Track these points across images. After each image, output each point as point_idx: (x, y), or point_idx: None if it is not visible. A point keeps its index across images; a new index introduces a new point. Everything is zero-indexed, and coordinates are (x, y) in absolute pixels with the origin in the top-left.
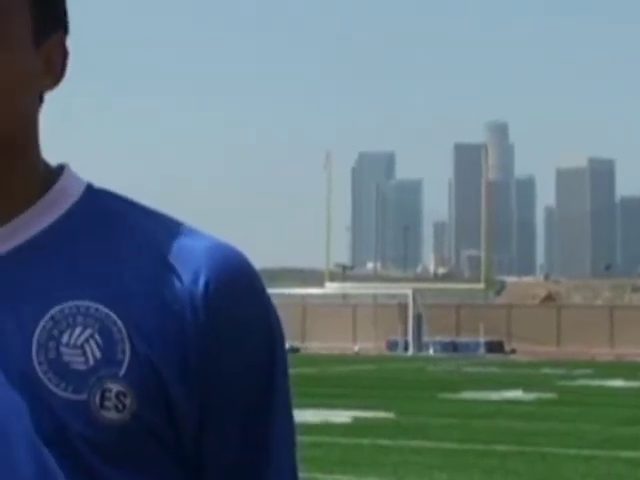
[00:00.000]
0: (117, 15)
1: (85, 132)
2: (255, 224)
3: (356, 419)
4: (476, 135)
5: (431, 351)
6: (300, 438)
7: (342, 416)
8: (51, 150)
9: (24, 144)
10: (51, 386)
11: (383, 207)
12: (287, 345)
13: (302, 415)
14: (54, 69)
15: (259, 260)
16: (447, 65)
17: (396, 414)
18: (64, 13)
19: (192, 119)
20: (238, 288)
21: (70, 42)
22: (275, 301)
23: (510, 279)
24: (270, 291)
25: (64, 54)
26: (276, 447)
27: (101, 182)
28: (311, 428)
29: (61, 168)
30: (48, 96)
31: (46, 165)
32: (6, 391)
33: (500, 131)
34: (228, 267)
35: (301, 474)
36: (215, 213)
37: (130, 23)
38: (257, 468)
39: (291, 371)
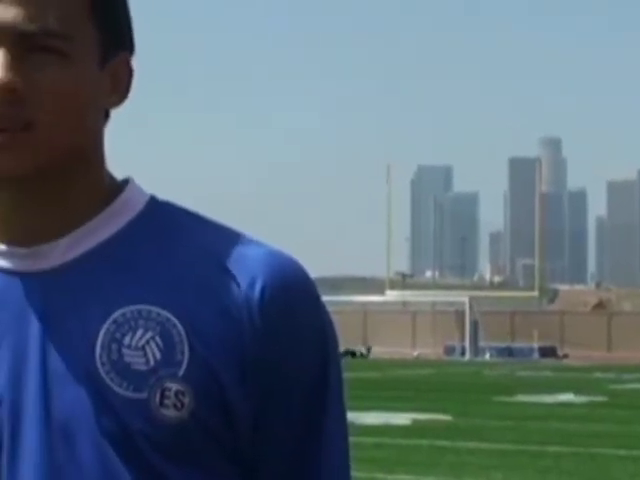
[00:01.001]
0: (173, 29)
1: (151, 146)
2: (320, 234)
3: (415, 421)
4: (530, 149)
5: (487, 356)
6: (362, 439)
7: (402, 418)
8: (125, 164)
9: (89, 158)
10: (113, 386)
11: (441, 218)
12: (360, 351)
13: (364, 417)
14: (119, 87)
15: (323, 269)
16: (503, 82)
17: (453, 416)
18: (129, 34)
19: (258, 134)
20: (293, 293)
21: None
22: (338, 308)
23: (563, 287)
24: (333, 298)
25: (129, 73)
26: (329, 447)
27: (167, 195)
28: (372, 430)
29: (126, 181)
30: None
31: (111, 178)
32: (72, 391)
33: (553, 145)
34: (284, 274)
35: (363, 474)
36: (283, 225)
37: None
38: (310, 468)
39: (354, 375)
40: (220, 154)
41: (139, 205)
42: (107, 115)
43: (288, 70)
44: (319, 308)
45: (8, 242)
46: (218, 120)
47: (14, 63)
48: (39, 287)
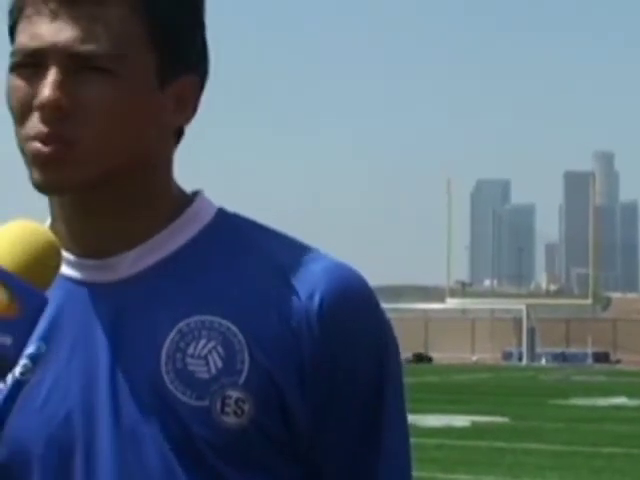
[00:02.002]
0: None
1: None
2: (384, 244)
3: (474, 423)
4: (584, 163)
5: (543, 361)
6: (424, 440)
7: (462, 420)
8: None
9: (150, 173)
10: (177, 393)
11: (499, 229)
12: (427, 355)
13: (426, 420)
14: (184, 108)
15: (387, 277)
16: (558, 98)
17: (511, 419)
18: (196, 57)
19: (326, 145)
20: (351, 305)
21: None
22: (400, 315)
23: (615, 295)
24: (396, 306)
25: (196, 94)
26: (388, 450)
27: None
28: (434, 431)
29: (195, 194)
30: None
31: (180, 191)
32: (137, 399)
33: (606, 160)
34: (342, 286)
35: (425, 473)
36: (346, 236)
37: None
38: (370, 471)
39: (416, 380)
40: (288, 169)
41: (207, 218)
42: (180, 133)
43: (353, 83)
44: (377, 319)
45: (77, 253)
46: (284, 137)
47: (63, 82)
48: (108, 298)
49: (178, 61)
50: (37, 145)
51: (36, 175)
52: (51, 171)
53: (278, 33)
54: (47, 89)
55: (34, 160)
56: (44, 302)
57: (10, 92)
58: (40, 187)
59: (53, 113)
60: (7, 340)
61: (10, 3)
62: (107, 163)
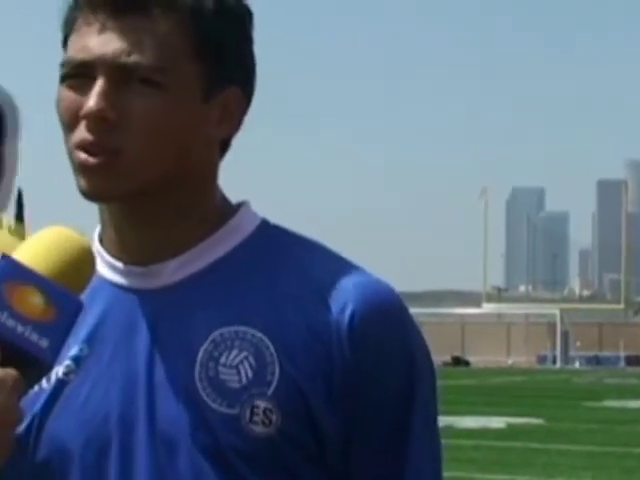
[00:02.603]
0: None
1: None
2: (422, 251)
3: (510, 425)
4: (617, 172)
5: (577, 364)
6: (462, 442)
7: (498, 422)
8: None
9: (193, 183)
10: (209, 401)
11: (534, 236)
12: (464, 359)
13: (463, 421)
14: (229, 119)
15: (425, 283)
16: (591, 108)
17: (545, 420)
18: (242, 70)
19: (361, 155)
20: (381, 320)
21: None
22: (439, 319)
23: None
24: (435, 310)
25: (240, 107)
26: (414, 462)
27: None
28: (471, 433)
29: (240, 205)
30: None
31: (225, 202)
32: (172, 404)
33: (638, 168)
34: (374, 301)
35: (462, 473)
36: (387, 244)
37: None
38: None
39: (453, 382)
40: (335, 172)
41: (248, 229)
42: (226, 144)
43: (392, 95)
44: (408, 335)
45: (123, 260)
46: (330, 138)
47: (109, 93)
48: (149, 304)
49: (223, 74)
50: (83, 154)
51: (82, 183)
52: (97, 179)
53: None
54: (93, 100)
55: (80, 168)
56: (79, 306)
57: (59, 102)
58: (86, 194)
59: (98, 123)
60: (44, 343)
61: (63, 16)
62: (152, 173)
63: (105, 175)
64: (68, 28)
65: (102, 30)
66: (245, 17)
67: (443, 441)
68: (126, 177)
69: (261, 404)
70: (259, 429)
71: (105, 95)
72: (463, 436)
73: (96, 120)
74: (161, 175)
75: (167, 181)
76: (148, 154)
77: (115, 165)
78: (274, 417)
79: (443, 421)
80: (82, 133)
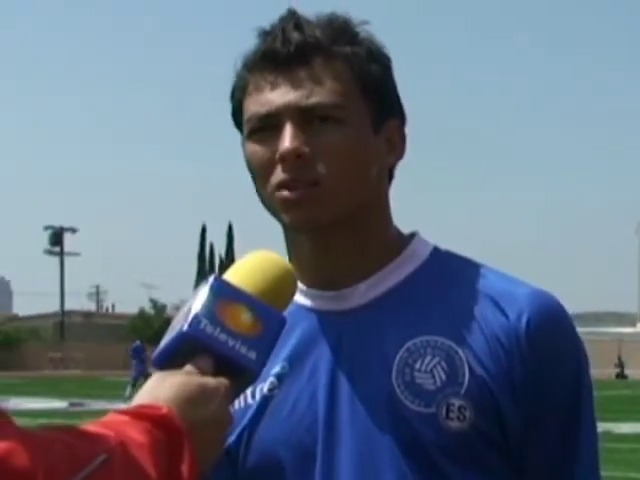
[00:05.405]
0: None
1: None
2: (583, 276)
3: None
4: None
5: None
6: (619, 445)
7: None
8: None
9: (377, 212)
10: (407, 402)
11: None
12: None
13: (620, 427)
14: (394, 149)
15: (585, 305)
16: None
17: None
18: (397, 105)
19: (525, 199)
20: (553, 325)
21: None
22: (596, 337)
23: None
24: (593, 329)
25: (401, 135)
26: (584, 450)
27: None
28: (628, 437)
29: (412, 235)
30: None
31: (399, 232)
32: (372, 408)
33: None
34: (546, 309)
35: (620, 473)
36: (549, 269)
37: None
38: (569, 467)
39: (613, 393)
40: (495, 201)
41: (424, 254)
42: (392, 175)
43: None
44: (575, 339)
45: (313, 285)
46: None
47: (299, 133)
48: (341, 324)
49: (384, 109)
50: (285, 192)
51: (289, 218)
52: (301, 211)
53: None
54: (286, 141)
55: (284, 205)
56: (283, 322)
57: (249, 157)
58: (294, 226)
59: (295, 161)
60: (252, 355)
61: (232, 87)
62: (347, 201)
63: (307, 207)
64: (240, 94)
65: (275, 86)
66: (390, 64)
67: (602, 444)
68: (326, 206)
69: (456, 402)
70: (455, 424)
71: (295, 135)
72: (621, 440)
73: (293, 158)
74: (355, 203)
75: (358, 210)
76: (343, 182)
77: (315, 196)
78: (468, 413)
79: (603, 427)
80: (279, 175)
